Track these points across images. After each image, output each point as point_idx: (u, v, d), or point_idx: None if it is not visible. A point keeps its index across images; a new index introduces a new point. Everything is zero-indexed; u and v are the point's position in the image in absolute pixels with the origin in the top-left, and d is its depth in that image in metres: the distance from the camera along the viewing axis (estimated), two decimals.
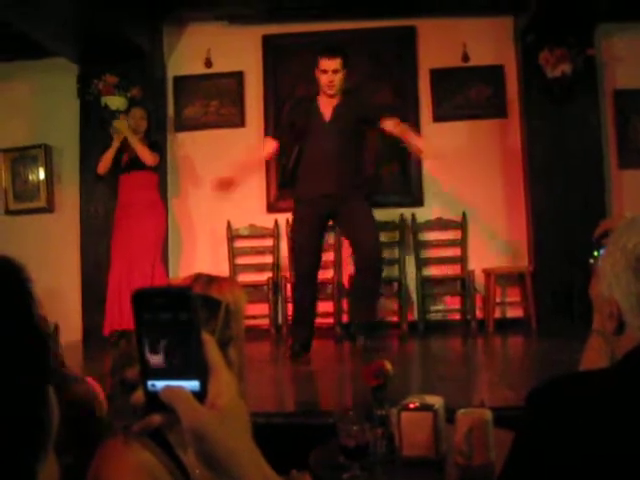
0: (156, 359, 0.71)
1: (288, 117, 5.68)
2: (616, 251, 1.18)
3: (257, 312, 6.42)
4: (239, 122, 7.06)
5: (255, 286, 6.60)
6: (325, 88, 5.07)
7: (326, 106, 5.12)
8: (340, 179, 5.01)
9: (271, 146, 5.31)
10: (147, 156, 6.05)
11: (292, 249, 5.28)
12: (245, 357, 1.60)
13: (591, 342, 1.57)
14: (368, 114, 5.20)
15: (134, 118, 6.24)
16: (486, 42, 6.81)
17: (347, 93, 5.19)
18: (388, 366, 2.41)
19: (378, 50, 6.87)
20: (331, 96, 5.08)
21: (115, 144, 6.19)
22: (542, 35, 6.23)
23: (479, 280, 6.55)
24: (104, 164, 6.22)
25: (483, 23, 6.79)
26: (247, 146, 6.92)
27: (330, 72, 4.99)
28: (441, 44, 6.85)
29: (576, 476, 1.03)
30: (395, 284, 6.66)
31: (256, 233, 6.86)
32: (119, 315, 5.83)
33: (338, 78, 5.02)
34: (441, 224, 6.71)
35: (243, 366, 1.61)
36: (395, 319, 6.59)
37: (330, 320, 6.43)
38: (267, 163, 6.90)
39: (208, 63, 7.04)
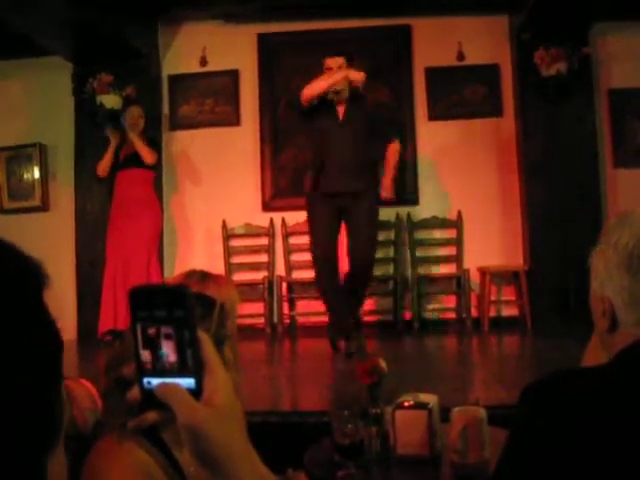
0: (151, 356, 0.71)
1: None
2: (608, 249, 1.19)
3: (253, 311, 6.41)
4: (234, 121, 7.05)
5: (251, 285, 6.59)
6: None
7: (339, 106, 5.26)
8: (352, 177, 5.18)
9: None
10: (147, 154, 6.08)
11: (310, 245, 5.40)
12: (239, 355, 1.60)
13: (594, 339, 1.57)
14: (378, 123, 5.40)
15: (132, 116, 6.24)
16: (481, 41, 6.82)
17: (356, 97, 5.31)
18: (382, 364, 2.41)
19: (373, 49, 6.87)
20: (337, 93, 5.21)
21: (112, 146, 6.21)
22: (537, 34, 6.23)
23: (474, 279, 6.56)
24: (103, 167, 6.25)
25: (478, 22, 6.79)
26: (242, 144, 6.92)
27: (334, 69, 5.20)
28: (436, 43, 6.85)
29: (570, 472, 1.03)
30: (390, 282, 6.66)
31: (251, 232, 6.85)
32: (114, 314, 5.83)
33: None
34: (436, 223, 6.72)
35: (237, 365, 1.61)
36: (390, 317, 6.59)
37: (325, 319, 6.43)
38: (262, 162, 6.91)
39: (203, 61, 7.03)
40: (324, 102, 5.25)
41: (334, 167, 5.18)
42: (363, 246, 5.21)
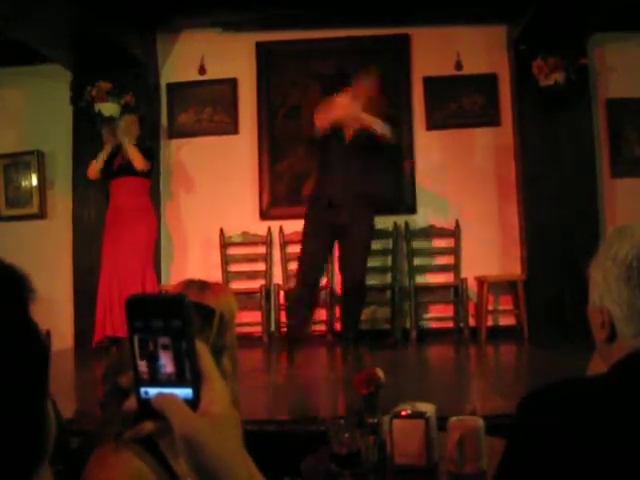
0: (149, 367, 0.71)
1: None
2: (607, 260, 1.18)
3: (250, 320, 6.40)
4: (232, 129, 7.05)
5: (248, 294, 6.58)
6: None
7: (348, 129, 5.45)
8: (352, 193, 5.33)
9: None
10: (139, 161, 6.04)
11: (300, 253, 5.59)
12: (238, 365, 1.59)
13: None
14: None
15: (125, 124, 6.23)
16: (479, 51, 6.83)
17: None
18: (380, 374, 2.41)
19: (372, 58, 6.85)
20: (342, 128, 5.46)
21: (106, 149, 6.19)
22: (535, 44, 6.25)
23: (472, 288, 6.55)
24: (94, 169, 6.21)
25: (476, 32, 6.81)
26: (240, 153, 6.92)
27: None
28: (435, 52, 6.87)
29: None
30: (388, 292, 6.65)
31: (249, 240, 6.84)
32: (110, 321, 5.81)
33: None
34: (434, 232, 6.71)
35: (237, 374, 1.61)
36: (388, 327, 6.58)
37: (322, 328, 6.43)
38: (260, 170, 6.90)
39: (202, 70, 7.04)
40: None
41: (335, 180, 5.33)
42: (354, 265, 5.42)
